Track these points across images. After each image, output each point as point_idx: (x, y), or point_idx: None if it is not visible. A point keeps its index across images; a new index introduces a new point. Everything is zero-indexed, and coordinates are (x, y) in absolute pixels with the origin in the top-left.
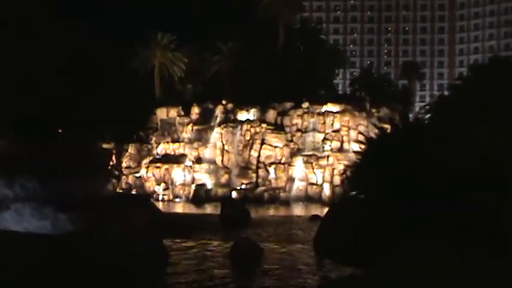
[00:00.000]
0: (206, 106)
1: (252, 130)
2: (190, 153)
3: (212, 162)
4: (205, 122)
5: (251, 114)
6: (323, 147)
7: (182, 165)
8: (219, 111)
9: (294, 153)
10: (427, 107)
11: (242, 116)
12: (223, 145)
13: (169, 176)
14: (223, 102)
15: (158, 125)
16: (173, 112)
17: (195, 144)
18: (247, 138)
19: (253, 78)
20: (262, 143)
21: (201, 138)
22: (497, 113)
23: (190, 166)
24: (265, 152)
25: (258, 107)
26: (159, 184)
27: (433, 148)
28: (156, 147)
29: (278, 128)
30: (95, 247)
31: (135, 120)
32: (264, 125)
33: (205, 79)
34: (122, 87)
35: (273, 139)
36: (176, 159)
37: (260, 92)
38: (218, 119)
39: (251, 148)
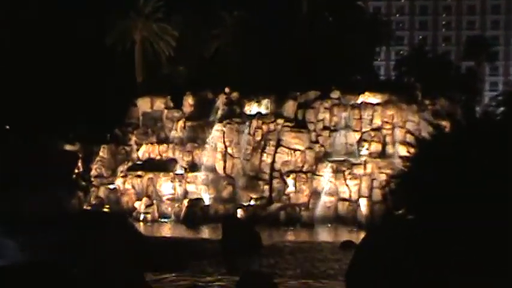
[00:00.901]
0: (203, 96)
1: (265, 128)
2: (182, 157)
3: (211, 170)
4: (202, 116)
5: (263, 106)
6: (359, 150)
7: (171, 174)
8: (220, 102)
9: (319, 159)
10: (500, 97)
11: (251, 108)
12: (225, 147)
13: (154, 188)
14: (226, 90)
15: (140, 121)
16: (159, 103)
17: (189, 146)
18: (258, 138)
19: (266, 58)
20: (278, 144)
21: (196, 138)
22: None
23: (182, 175)
24: (282, 156)
25: (273, 97)
26: (140, 199)
27: (510, 153)
28: (137, 150)
29: (299, 124)
30: (50, 285)
31: (108, 114)
32: (280, 121)
33: (203, 59)
34: (89, 70)
35: (292, 140)
36: (163, 165)
37: (275, 78)
38: (219, 113)
39: (263, 151)
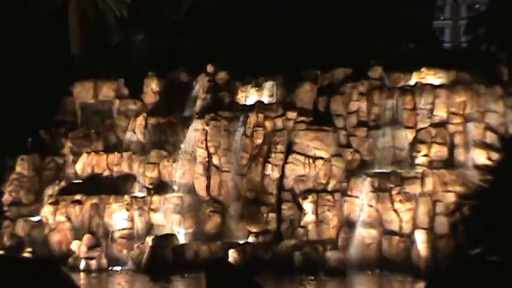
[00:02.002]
0: (174, 78)
1: (269, 125)
2: (143, 172)
3: (188, 190)
4: (172, 109)
5: (266, 92)
6: (413, 158)
7: (126, 198)
8: (200, 87)
9: (353, 172)
10: None
11: (248, 96)
12: (209, 156)
13: (101, 219)
14: (209, 69)
15: (78, 118)
16: (107, 90)
17: (153, 156)
18: (259, 141)
19: (268, 21)
20: (290, 150)
21: (164, 142)
22: None
23: (143, 199)
24: (295, 168)
25: (280, 78)
26: (79, 237)
27: None
28: (74, 162)
29: (321, 119)
30: None
31: (29, 108)
32: (291, 115)
33: (172, 23)
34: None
35: (311, 143)
36: (114, 185)
37: (283, 50)
38: (199, 104)
39: (266, 161)
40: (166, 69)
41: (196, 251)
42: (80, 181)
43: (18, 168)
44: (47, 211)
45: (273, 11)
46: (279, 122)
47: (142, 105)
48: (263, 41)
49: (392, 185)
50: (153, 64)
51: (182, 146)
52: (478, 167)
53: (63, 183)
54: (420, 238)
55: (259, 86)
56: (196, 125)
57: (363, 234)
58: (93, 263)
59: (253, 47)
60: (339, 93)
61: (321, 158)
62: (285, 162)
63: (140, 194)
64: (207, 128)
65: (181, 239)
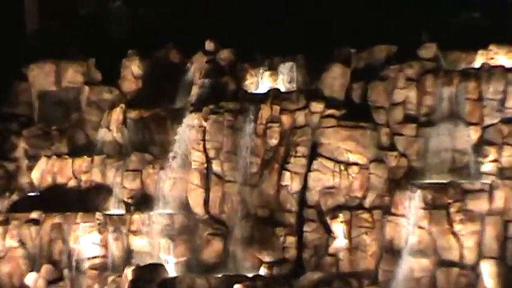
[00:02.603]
0: (161, 58)
1: (286, 120)
2: (121, 183)
3: (179, 206)
4: (159, 99)
5: (283, 76)
6: (478, 164)
7: (99, 217)
8: (197, 69)
9: (398, 182)
10: None
11: (259, 81)
12: (207, 161)
13: (65, 244)
14: (208, 46)
15: (34, 110)
16: (74, 73)
17: (134, 160)
18: (273, 141)
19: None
20: (314, 153)
21: (149, 141)
22: None
23: (121, 218)
24: (322, 178)
25: (302, 58)
26: (37, 268)
27: None
28: (29, 169)
29: (355, 112)
30: None
31: None
32: (317, 107)
33: None
34: None
35: (342, 143)
36: (83, 199)
37: (305, 20)
38: (195, 92)
39: (284, 168)
40: (151, 46)
41: (191, 286)
42: (37, 194)
43: None
44: None
45: None
46: (301, 117)
47: (120, 93)
48: (278, 9)
49: (450, 201)
50: (134, 40)
51: (172, 147)
52: None
53: (14, 197)
54: (487, 270)
55: (274, 69)
56: (191, 120)
57: (412, 265)
58: None
59: (264, 18)
60: (379, 79)
61: (356, 164)
62: (308, 169)
63: (117, 211)
64: (205, 124)
65: (171, 271)
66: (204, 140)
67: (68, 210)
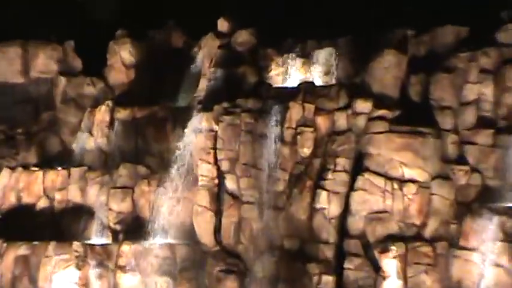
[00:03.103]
0: (162, 40)
1: (322, 122)
2: (107, 202)
3: (183, 233)
4: (159, 94)
5: (318, 66)
6: None
7: (77, 248)
8: (207, 56)
9: (468, 204)
10: None
11: (287, 73)
12: (220, 175)
13: (32, 283)
14: (222, 26)
15: None
16: (46, 60)
17: (124, 174)
18: (305, 150)
19: None
20: (359, 166)
21: (143, 150)
22: None
23: (106, 249)
24: (369, 198)
25: (343, 42)
26: None
27: None
28: None
29: (413, 113)
30: None
31: None
32: (363, 105)
33: None
34: None
35: (396, 154)
36: (56, 223)
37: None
38: (205, 86)
39: (317, 185)
40: (146, 26)
41: None
42: None
43: None
44: None
45: None
46: (342, 119)
47: (106, 87)
48: None
49: None
50: (125, 18)
51: (174, 158)
52: None
53: None
54: None
55: (307, 56)
56: (199, 122)
57: None
58: None
59: None
60: (445, 70)
61: (413, 181)
62: (351, 188)
63: (101, 241)
64: (216, 127)
65: None
66: (215, 148)
67: (37, 238)
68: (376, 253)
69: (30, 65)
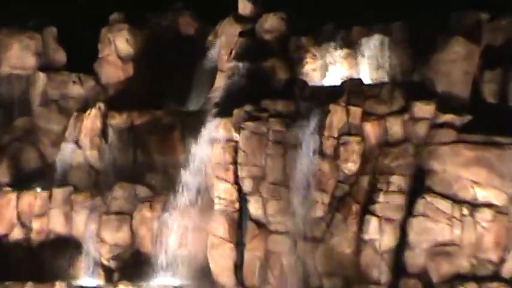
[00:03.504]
0: (167, 25)
1: (371, 130)
2: (97, 232)
3: (195, 270)
4: (163, 94)
5: (367, 58)
6: None
7: None
8: (225, 45)
9: None
10: None
11: (327, 66)
12: (241, 197)
13: None
14: (244, 8)
15: None
16: (21, 52)
17: (119, 197)
18: (351, 165)
19: None
20: (419, 186)
21: (145, 164)
22: None
23: None
24: (432, 226)
25: (398, 28)
26: None
27: None
28: None
29: (488, 119)
30: None
31: None
32: (424, 109)
33: None
34: None
35: (466, 171)
36: (34, 258)
37: None
38: (222, 84)
39: (366, 210)
40: (147, 8)
41: None
42: None
43: None
44: None
45: None
46: (396, 126)
47: (97, 85)
48: None
49: None
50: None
51: (183, 175)
52: None
53: None
54: None
55: (352, 47)
56: (215, 130)
57: None
58: None
59: None
60: None
61: (489, 205)
62: (409, 213)
63: (91, 281)
64: (237, 136)
65: None
66: (235, 163)
67: (10, 277)
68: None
69: (0, 58)
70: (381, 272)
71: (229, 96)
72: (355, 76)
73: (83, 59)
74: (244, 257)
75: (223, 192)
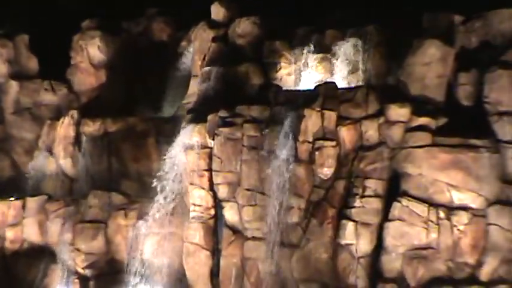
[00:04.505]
0: (141, 31)
1: (346, 135)
2: (74, 241)
3: (170, 278)
4: (137, 100)
5: (341, 62)
6: None
7: None
8: (198, 50)
9: None
10: None
11: (301, 70)
12: (216, 204)
13: None
14: (217, 13)
15: None
16: None
17: (93, 205)
18: (326, 170)
19: None
20: (394, 190)
21: (119, 172)
22: None
23: None
24: (408, 231)
25: (373, 30)
26: None
27: None
28: None
29: (463, 121)
30: None
31: None
32: (398, 112)
33: None
34: None
35: (442, 174)
36: (8, 269)
37: None
38: (196, 89)
39: (342, 215)
40: (120, 14)
41: None
42: None
43: None
44: None
45: None
46: (371, 130)
47: (70, 93)
48: None
49: None
50: (93, 4)
51: (158, 182)
52: None
53: None
54: None
55: (326, 50)
56: (190, 136)
57: None
58: None
59: None
60: (503, 65)
61: (466, 208)
62: (385, 217)
63: None
64: (211, 142)
65: None
66: (210, 169)
67: None
68: None
69: None
70: (357, 277)
71: (204, 102)
72: (330, 80)
73: (55, 66)
74: (220, 264)
75: (198, 198)
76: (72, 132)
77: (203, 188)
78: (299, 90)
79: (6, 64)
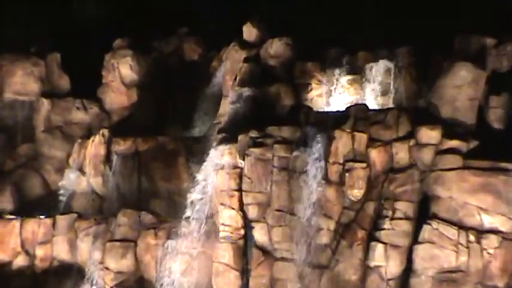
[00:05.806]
0: (172, 51)
1: (376, 156)
2: (101, 260)
3: None
4: (167, 120)
5: (372, 84)
6: None
7: None
8: (229, 71)
9: None
10: None
11: (332, 92)
12: (246, 224)
13: None
14: (249, 33)
15: None
16: (24, 77)
17: (123, 224)
18: (356, 191)
19: None
20: (424, 213)
21: (149, 191)
22: None
23: None
24: (438, 253)
25: (405, 53)
26: None
27: None
28: None
29: (495, 145)
30: None
31: None
32: (429, 134)
33: None
34: None
35: (472, 197)
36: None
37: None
38: (227, 109)
39: (372, 236)
40: (151, 34)
41: None
42: None
43: None
44: None
45: None
46: (402, 152)
47: (101, 112)
48: None
49: None
50: (123, 24)
51: (188, 202)
52: None
53: None
54: None
55: (357, 72)
56: (220, 156)
57: None
58: None
59: None
60: None
61: (496, 231)
62: (415, 240)
63: None
64: (242, 163)
65: None
66: (240, 190)
67: None
68: None
69: (4, 84)
70: None
71: (234, 122)
72: (361, 102)
73: (86, 85)
74: (250, 285)
75: (228, 219)
76: (102, 151)
77: (233, 208)
78: (330, 112)
79: (38, 82)
